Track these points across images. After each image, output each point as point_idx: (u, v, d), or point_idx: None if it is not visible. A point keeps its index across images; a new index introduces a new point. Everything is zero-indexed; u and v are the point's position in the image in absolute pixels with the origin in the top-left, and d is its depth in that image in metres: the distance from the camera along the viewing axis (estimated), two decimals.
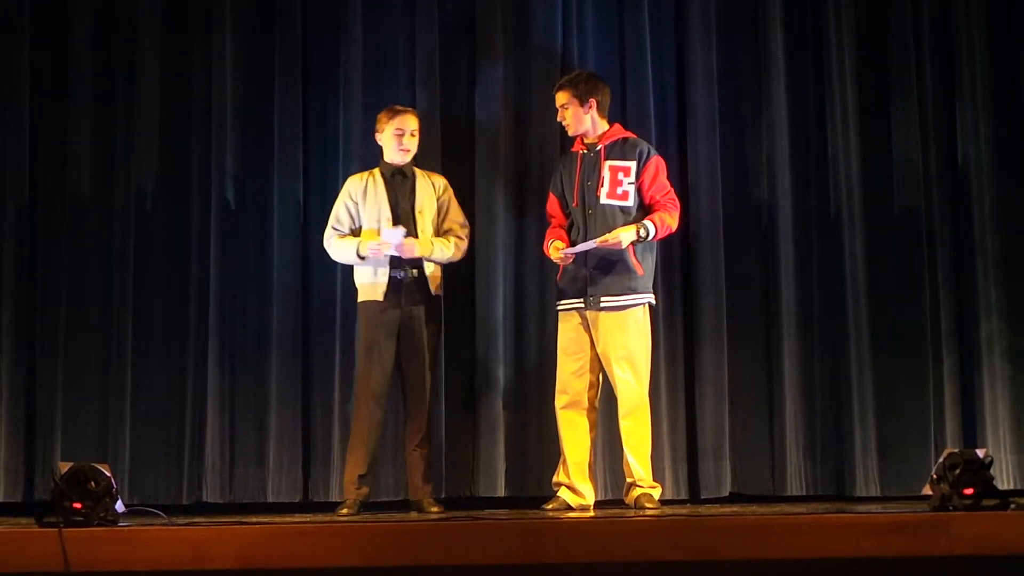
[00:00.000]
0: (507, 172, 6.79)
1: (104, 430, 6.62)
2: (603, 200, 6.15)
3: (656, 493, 6.11)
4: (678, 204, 6.24)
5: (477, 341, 6.70)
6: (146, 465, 6.62)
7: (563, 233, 6.24)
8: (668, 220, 6.14)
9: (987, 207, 6.84)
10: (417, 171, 6.36)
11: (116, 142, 6.79)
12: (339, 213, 6.30)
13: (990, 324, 6.76)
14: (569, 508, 6.10)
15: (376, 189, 6.27)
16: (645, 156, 6.20)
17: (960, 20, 6.94)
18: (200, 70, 6.84)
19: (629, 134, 6.32)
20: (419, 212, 6.26)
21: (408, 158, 6.30)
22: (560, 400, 6.22)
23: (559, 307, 6.27)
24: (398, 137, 6.26)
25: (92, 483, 4.87)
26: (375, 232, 6.18)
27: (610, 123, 6.31)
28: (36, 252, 6.73)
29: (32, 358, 6.67)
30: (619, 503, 6.32)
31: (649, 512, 5.78)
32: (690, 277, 6.79)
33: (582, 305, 6.15)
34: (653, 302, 6.22)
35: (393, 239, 6.08)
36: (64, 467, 4.96)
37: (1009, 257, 6.81)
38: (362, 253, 6.15)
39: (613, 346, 6.10)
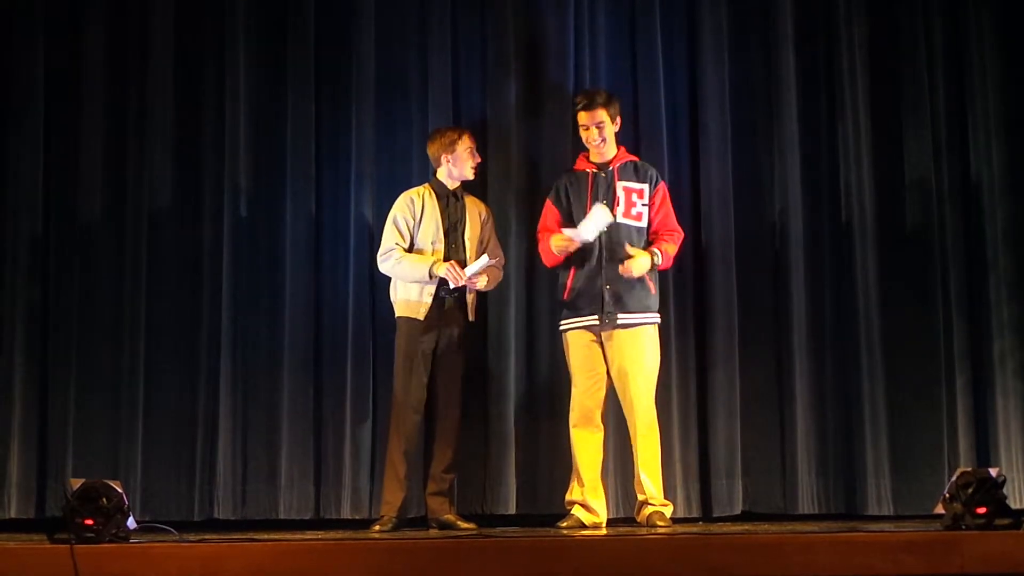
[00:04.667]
0: (519, 190, 6.80)
1: (116, 447, 6.62)
2: (619, 219, 6.19)
3: (668, 511, 6.12)
4: (682, 235, 6.34)
5: (489, 357, 6.70)
6: (158, 481, 6.63)
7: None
8: (670, 251, 6.27)
9: (999, 225, 6.83)
10: (465, 196, 6.43)
11: (129, 159, 6.81)
12: (399, 227, 6.29)
13: (1003, 342, 6.75)
14: (583, 526, 6.11)
15: (432, 208, 6.32)
16: (655, 181, 6.31)
17: (972, 39, 6.95)
18: (213, 87, 6.86)
19: (635, 157, 6.40)
20: (470, 239, 6.33)
21: (473, 178, 6.42)
22: (574, 418, 6.23)
23: (568, 325, 6.27)
24: (472, 156, 6.36)
25: (104, 499, 4.87)
26: (428, 253, 6.22)
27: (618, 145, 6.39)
28: (49, 268, 6.74)
29: (45, 374, 6.68)
30: (630, 521, 6.31)
31: (661, 530, 5.77)
32: (702, 296, 6.79)
33: (596, 322, 6.17)
34: (659, 322, 6.28)
35: (484, 264, 6.15)
36: (76, 483, 4.96)
37: (1022, 275, 6.80)
38: (437, 272, 6.13)
39: (631, 363, 6.13)
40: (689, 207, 6.79)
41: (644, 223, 6.24)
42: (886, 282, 6.81)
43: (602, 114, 6.25)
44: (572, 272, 6.26)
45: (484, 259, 6.16)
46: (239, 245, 6.76)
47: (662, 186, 6.31)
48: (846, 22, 6.95)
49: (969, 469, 5.20)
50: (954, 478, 5.10)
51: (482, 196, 6.71)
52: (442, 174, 6.39)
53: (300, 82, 6.84)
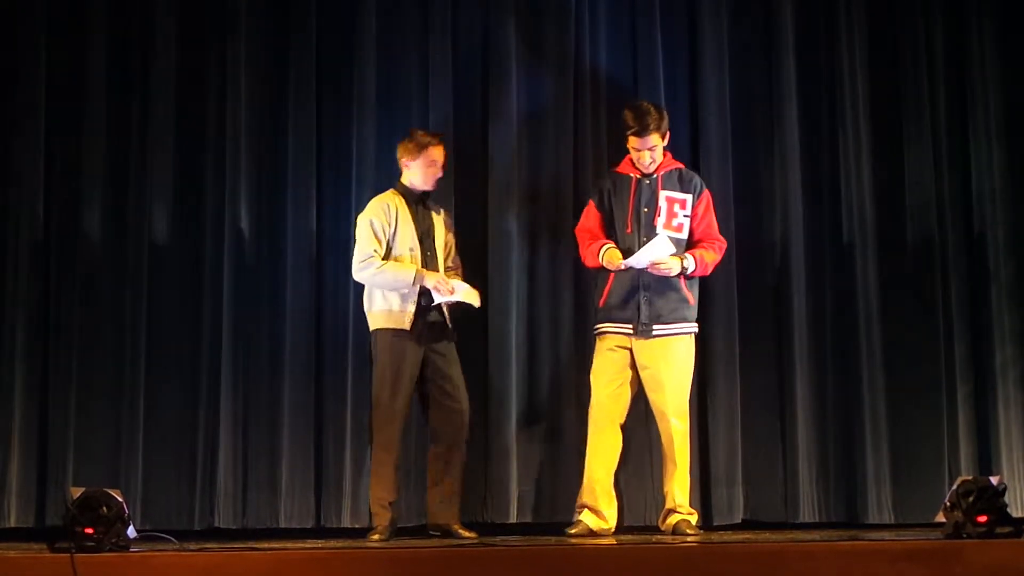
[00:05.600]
0: (521, 196, 6.80)
1: (116, 455, 6.61)
2: (659, 230, 6.16)
3: (694, 519, 6.12)
4: (724, 244, 6.28)
5: (490, 366, 6.69)
6: (158, 490, 6.61)
7: (613, 244, 6.21)
8: (707, 258, 6.19)
9: (1001, 235, 6.84)
10: (428, 200, 6.35)
11: (130, 169, 6.79)
12: (378, 234, 6.14)
13: (1004, 351, 6.75)
14: (591, 532, 6.10)
15: (405, 214, 6.21)
16: (699, 190, 6.24)
17: (973, 48, 6.97)
18: (214, 96, 6.85)
19: (679, 164, 6.34)
20: (439, 245, 6.27)
21: (435, 188, 6.30)
22: (593, 420, 6.21)
23: (602, 329, 6.23)
24: (432, 167, 6.21)
25: (104, 508, 4.87)
26: (406, 260, 6.13)
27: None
28: (49, 275, 6.72)
29: (45, 383, 6.66)
30: (642, 528, 6.27)
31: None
32: (703, 305, 6.74)
33: (631, 331, 6.15)
34: (697, 331, 6.26)
35: (455, 296, 6.11)
36: (76, 492, 4.96)
37: (1022, 284, 6.81)
38: (426, 284, 6.06)
39: (666, 373, 6.12)
40: None
41: (684, 234, 6.18)
42: (887, 290, 6.82)
43: (654, 139, 6.16)
44: (611, 279, 6.21)
45: (464, 288, 6.15)
46: (240, 253, 6.75)
47: (706, 195, 6.24)
48: (847, 30, 6.96)
49: (970, 478, 5.21)
50: (955, 486, 5.11)
51: (483, 204, 6.71)
52: (407, 178, 6.27)
53: (301, 90, 6.83)
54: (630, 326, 6.15)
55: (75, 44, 6.84)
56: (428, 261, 6.20)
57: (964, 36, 6.99)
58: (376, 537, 6.03)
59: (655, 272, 6.08)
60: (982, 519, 4.90)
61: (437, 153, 6.22)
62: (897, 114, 6.95)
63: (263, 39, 6.88)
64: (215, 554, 4.87)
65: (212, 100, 6.85)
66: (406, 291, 6.09)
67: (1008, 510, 5.02)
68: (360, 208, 6.48)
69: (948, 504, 5.06)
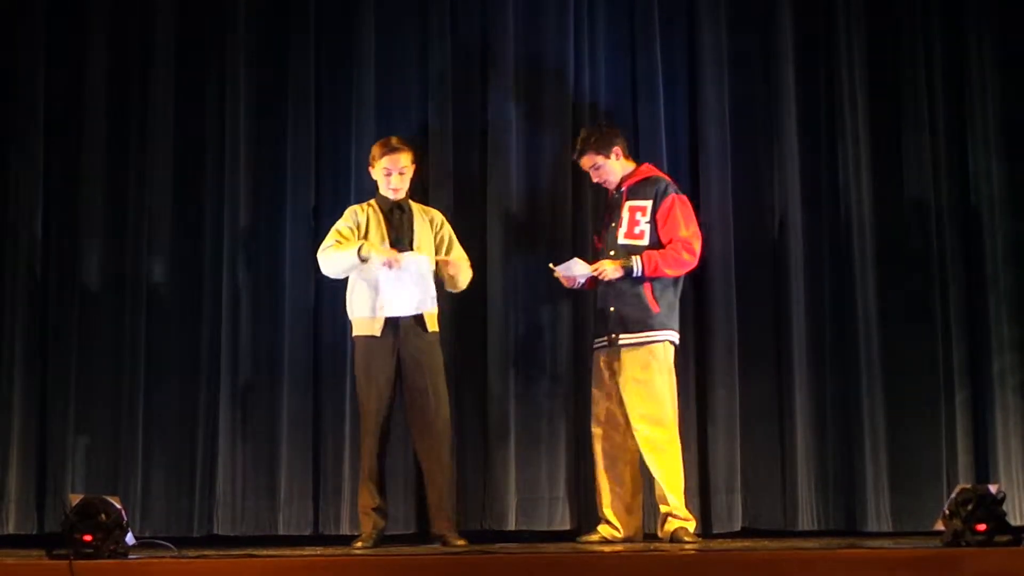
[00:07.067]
0: (519, 204, 6.80)
1: (115, 462, 6.62)
2: (620, 240, 6.19)
3: (691, 526, 6.09)
4: (692, 249, 6.17)
5: (489, 375, 6.69)
6: (157, 497, 6.63)
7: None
8: (661, 261, 6.11)
9: (999, 242, 6.84)
10: (413, 205, 6.30)
11: (130, 175, 6.82)
12: (340, 231, 6.16)
13: (1002, 359, 6.75)
14: (604, 541, 6.11)
15: (376, 223, 6.19)
16: (661, 194, 6.19)
17: (972, 56, 6.97)
18: (214, 104, 6.87)
19: (655, 173, 6.33)
20: (417, 248, 6.18)
21: (399, 196, 6.22)
22: (594, 433, 6.25)
23: (593, 344, 6.33)
24: (387, 176, 6.17)
25: (103, 515, 4.87)
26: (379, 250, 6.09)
27: (637, 163, 6.37)
28: (48, 284, 6.74)
29: (44, 390, 6.67)
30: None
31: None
32: (702, 312, 6.79)
33: (606, 343, 6.18)
34: (675, 340, 6.20)
35: (413, 266, 6.03)
36: (75, 499, 4.96)
37: (1021, 292, 6.81)
38: (364, 255, 5.99)
39: (631, 382, 6.11)
40: None
41: (646, 240, 6.17)
42: (886, 299, 6.82)
43: (591, 159, 6.29)
44: (595, 296, 6.34)
45: (425, 260, 6.07)
46: (239, 261, 6.76)
47: (669, 199, 6.18)
48: (846, 38, 6.96)
49: (969, 486, 5.20)
50: (954, 495, 5.10)
51: (481, 212, 6.72)
52: (379, 188, 6.27)
53: (301, 98, 6.85)
54: (604, 339, 6.21)
55: (75, 44, 6.85)
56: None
57: (963, 45, 6.99)
58: (359, 544, 6.00)
59: (603, 277, 6.13)
60: (981, 527, 4.89)
61: (389, 162, 6.17)
62: (896, 122, 6.96)
63: (263, 44, 6.90)
64: (214, 561, 4.86)
65: (212, 102, 6.89)
66: (357, 268, 6.03)
67: (1007, 518, 5.01)
68: None
69: (947, 512, 5.05)
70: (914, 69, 6.98)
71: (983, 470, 6.67)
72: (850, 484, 6.70)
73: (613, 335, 6.14)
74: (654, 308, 6.12)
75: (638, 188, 6.25)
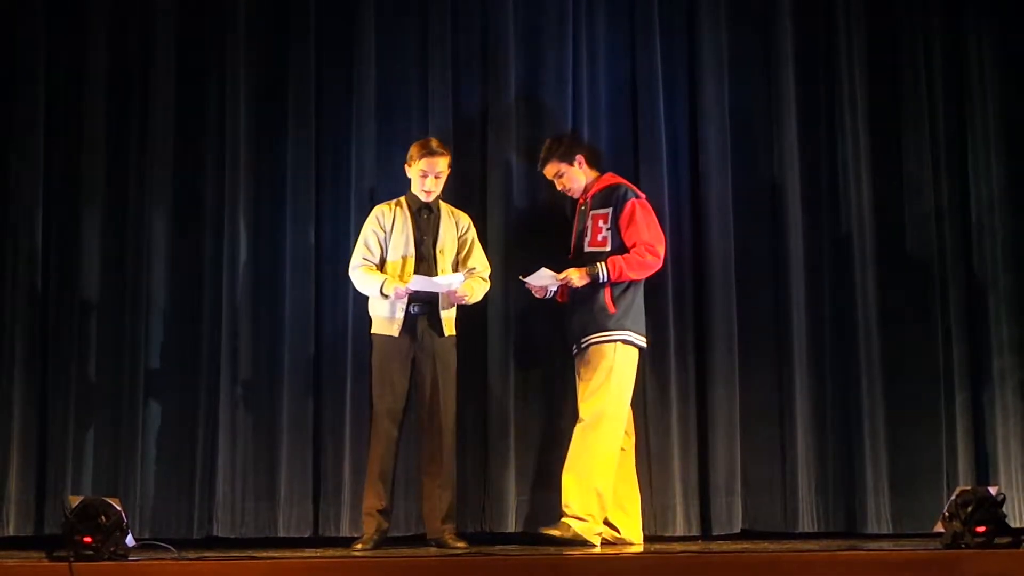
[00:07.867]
0: (519, 207, 6.80)
1: (115, 464, 6.62)
2: (586, 249, 6.25)
3: (580, 527, 5.96)
4: (655, 251, 6.20)
5: (489, 376, 6.69)
6: (157, 499, 6.62)
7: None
8: (625, 265, 6.14)
9: (999, 244, 6.85)
10: (442, 206, 6.39)
11: (129, 175, 6.80)
12: (368, 242, 6.27)
13: (1002, 360, 6.75)
14: (606, 542, 6.12)
15: (404, 222, 6.28)
16: (621, 199, 6.24)
17: (972, 58, 6.98)
18: (214, 105, 6.86)
19: (617, 181, 6.36)
20: (440, 251, 6.27)
21: (430, 199, 6.32)
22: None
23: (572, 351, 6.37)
24: (422, 178, 6.27)
25: (103, 517, 4.88)
26: (399, 266, 6.19)
27: (601, 172, 6.42)
28: (48, 285, 6.74)
29: (44, 391, 6.67)
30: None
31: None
32: (702, 314, 6.79)
33: (575, 350, 6.27)
34: (634, 341, 6.19)
35: (450, 285, 6.11)
36: (75, 501, 4.97)
37: (1021, 293, 6.82)
38: (386, 292, 6.13)
39: (584, 380, 6.17)
40: (689, 225, 6.80)
41: (608, 247, 6.21)
42: (886, 300, 6.82)
43: (555, 167, 6.39)
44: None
45: (442, 280, 6.12)
46: (239, 263, 6.75)
47: (629, 204, 6.21)
48: (846, 38, 6.96)
49: (968, 488, 5.21)
50: (953, 497, 5.11)
51: (481, 215, 6.71)
52: (412, 186, 6.36)
53: (301, 102, 6.84)
54: (574, 346, 6.28)
55: (75, 44, 6.85)
56: (422, 266, 6.21)
57: (963, 45, 7.00)
58: (359, 546, 6.02)
59: (569, 285, 6.18)
60: (981, 529, 4.90)
61: (426, 165, 6.26)
62: (896, 122, 6.96)
63: (263, 48, 6.89)
64: (214, 563, 4.87)
65: (212, 104, 6.87)
66: (380, 298, 6.16)
67: (1007, 520, 5.02)
68: (359, 217, 6.50)
69: (947, 514, 5.06)
70: (914, 69, 6.98)
71: (983, 472, 6.67)
72: (850, 486, 6.70)
73: (579, 340, 6.21)
74: (611, 309, 6.16)
75: (601, 197, 6.31)
